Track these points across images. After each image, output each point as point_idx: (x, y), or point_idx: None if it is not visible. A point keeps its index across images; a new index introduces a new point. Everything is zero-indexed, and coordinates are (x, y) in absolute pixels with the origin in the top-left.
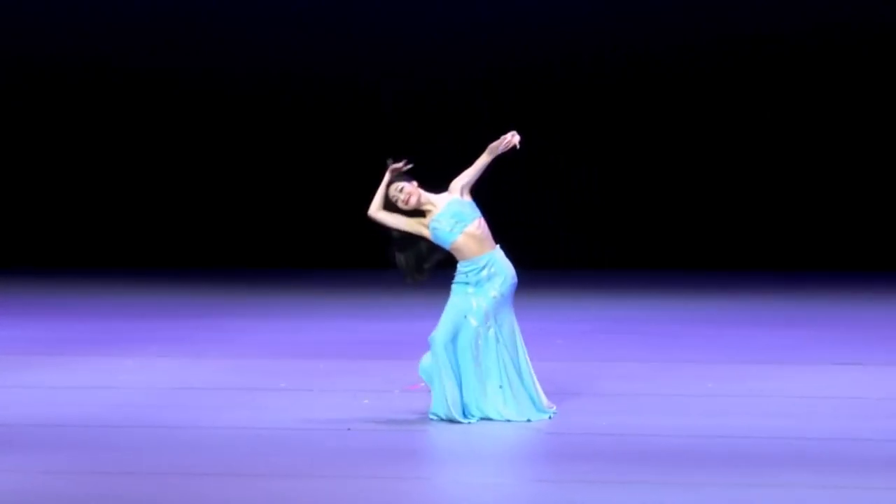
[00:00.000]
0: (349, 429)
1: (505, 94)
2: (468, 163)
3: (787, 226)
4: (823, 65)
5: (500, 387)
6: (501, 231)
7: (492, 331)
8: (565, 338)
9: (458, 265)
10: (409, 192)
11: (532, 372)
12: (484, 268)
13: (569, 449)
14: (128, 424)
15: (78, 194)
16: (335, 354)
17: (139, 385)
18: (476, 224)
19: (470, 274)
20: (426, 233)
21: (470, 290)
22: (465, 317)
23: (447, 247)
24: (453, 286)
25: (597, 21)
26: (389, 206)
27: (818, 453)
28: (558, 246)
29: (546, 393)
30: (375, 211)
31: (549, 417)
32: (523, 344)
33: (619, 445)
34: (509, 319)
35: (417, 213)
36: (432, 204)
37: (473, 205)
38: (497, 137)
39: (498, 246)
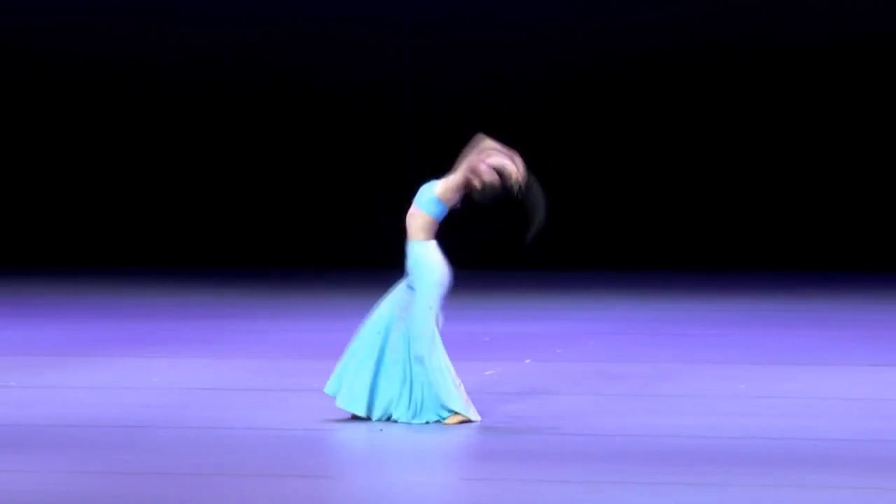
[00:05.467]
0: (381, 430)
1: (505, 95)
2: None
3: (818, 225)
4: (827, 66)
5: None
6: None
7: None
8: (594, 339)
9: None
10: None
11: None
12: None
13: (596, 449)
14: (154, 425)
15: (103, 193)
16: None
17: (165, 385)
18: (413, 207)
19: None
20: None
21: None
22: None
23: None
24: None
25: (594, 20)
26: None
27: (846, 454)
28: (582, 246)
29: (575, 394)
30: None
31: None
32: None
33: (646, 446)
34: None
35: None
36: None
37: (423, 190)
38: (497, 138)
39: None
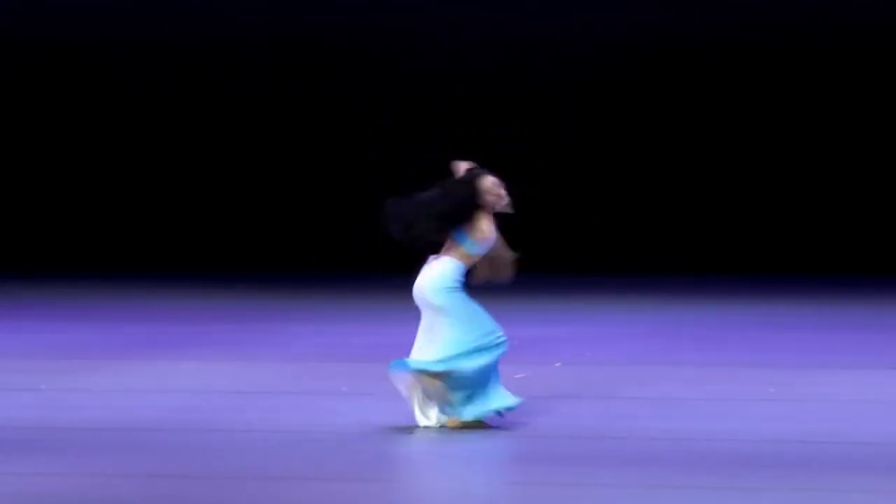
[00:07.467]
0: (411, 433)
1: (509, 96)
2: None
3: (849, 228)
4: (831, 66)
5: None
6: (538, 232)
7: None
8: (624, 341)
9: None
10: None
11: None
12: None
13: (626, 454)
14: (185, 428)
15: (132, 197)
16: (395, 357)
17: (196, 388)
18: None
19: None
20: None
21: None
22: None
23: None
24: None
25: (593, 19)
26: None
27: (877, 458)
28: (612, 250)
29: (604, 397)
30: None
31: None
32: None
33: (677, 450)
34: None
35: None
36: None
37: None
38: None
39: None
